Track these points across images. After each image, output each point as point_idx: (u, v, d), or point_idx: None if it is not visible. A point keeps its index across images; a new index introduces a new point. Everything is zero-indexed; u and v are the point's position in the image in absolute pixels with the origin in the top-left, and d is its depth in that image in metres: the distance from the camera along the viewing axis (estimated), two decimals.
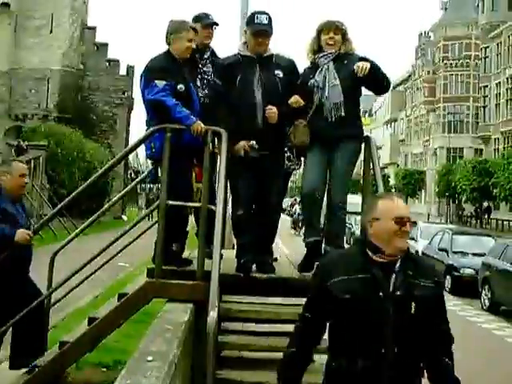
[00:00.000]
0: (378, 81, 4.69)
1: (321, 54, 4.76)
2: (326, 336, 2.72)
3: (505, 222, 42.75)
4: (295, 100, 4.68)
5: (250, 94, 4.69)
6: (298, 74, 4.90)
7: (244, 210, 4.77)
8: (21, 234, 4.75)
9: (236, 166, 4.67)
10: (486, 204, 46.96)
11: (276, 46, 5.04)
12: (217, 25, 5.37)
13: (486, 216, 46.15)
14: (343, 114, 4.65)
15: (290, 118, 4.82)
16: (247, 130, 4.70)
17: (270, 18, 4.72)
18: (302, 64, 5.02)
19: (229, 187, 4.81)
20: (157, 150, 4.65)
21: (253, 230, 4.81)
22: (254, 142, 4.66)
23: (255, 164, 4.72)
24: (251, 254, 4.74)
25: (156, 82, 4.61)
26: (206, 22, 5.29)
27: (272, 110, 4.65)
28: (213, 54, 5.42)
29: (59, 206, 4.78)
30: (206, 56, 5.32)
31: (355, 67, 4.53)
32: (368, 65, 4.52)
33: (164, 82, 4.60)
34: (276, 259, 5.71)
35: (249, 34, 4.77)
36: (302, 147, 4.86)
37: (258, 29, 4.68)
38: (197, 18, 5.34)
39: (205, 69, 5.28)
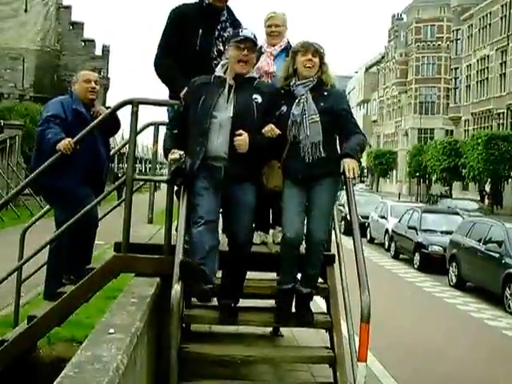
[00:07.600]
0: None
1: (298, 82, 4.20)
2: None
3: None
4: (269, 128, 4.06)
5: (206, 117, 4.04)
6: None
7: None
8: (64, 143, 4.80)
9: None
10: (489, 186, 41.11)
11: None
12: None
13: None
14: (323, 154, 4.13)
15: (262, 151, 4.13)
16: (196, 154, 4.06)
17: (255, 35, 4.20)
18: None
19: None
20: None
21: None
22: (182, 153, 4.07)
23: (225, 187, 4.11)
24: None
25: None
26: None
27: (241, 137, 3.98)
28: (229, 13, 4.78)
29: (23, 183, 4.68)
30: (222, 18, 4.69)
31: (346, 172, 4.01)
32: (356, 165, 4.05)
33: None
34: None
35: (231, 49, 4.16)
36: (274, 192, 4.24)
37: (243, 37, 4.12)
38: None
39: (225, 34, 4.64)
